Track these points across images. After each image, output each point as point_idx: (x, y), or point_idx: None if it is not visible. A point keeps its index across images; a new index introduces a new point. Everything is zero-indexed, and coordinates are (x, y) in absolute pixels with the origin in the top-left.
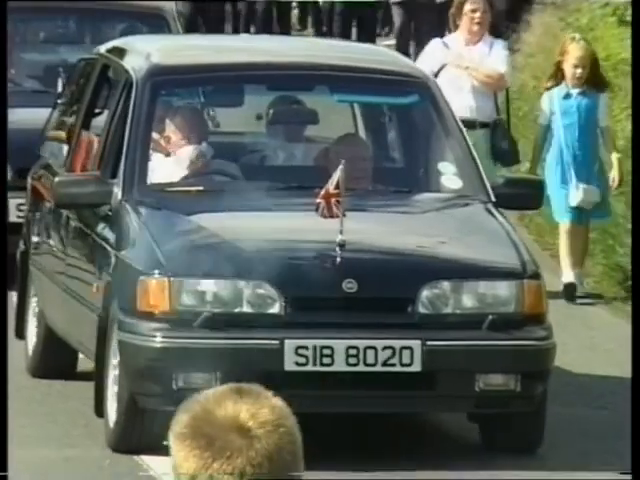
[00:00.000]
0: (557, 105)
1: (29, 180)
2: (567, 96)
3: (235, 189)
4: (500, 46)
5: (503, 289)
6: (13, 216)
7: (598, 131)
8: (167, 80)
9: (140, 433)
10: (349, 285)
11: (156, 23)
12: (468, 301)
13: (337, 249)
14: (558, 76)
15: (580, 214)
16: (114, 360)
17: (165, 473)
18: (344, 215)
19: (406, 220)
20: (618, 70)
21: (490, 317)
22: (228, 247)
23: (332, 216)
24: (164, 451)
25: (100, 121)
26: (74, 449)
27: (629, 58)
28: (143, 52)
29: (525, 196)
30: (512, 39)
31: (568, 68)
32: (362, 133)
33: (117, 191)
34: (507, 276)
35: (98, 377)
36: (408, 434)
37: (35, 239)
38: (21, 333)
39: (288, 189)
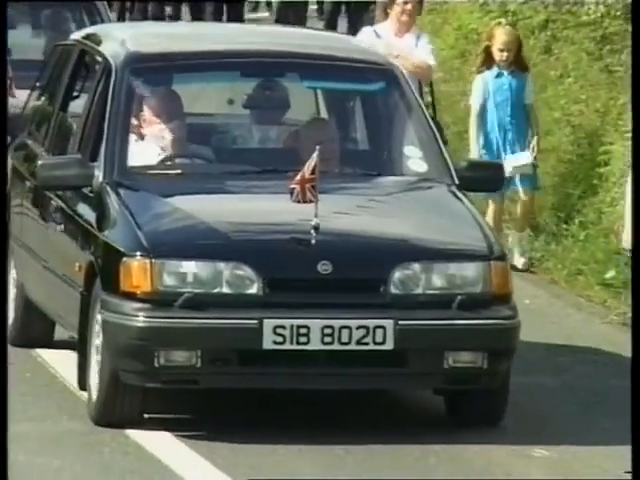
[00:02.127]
0: (490, 85)
1: (9, 158)
2: (499, 75)
3: (211, 172)
4: (426, 39)
5: (471, 270)
6: None
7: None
8: (145, 67)
9: (122, 408)
10: (324, 267)
11: (87, 9)
12: (438, 282)
13: (312, 232)
14: (487, 59)
15: (510, 184)
16: (96, 337)
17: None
18: (318, 199)
19: (376, 203)
20: (469, 38)
21: (459, 297)
22: (207, 229)
23: (306, 201)
24: (146, 425)
25: (77, 105)
26: (57, 423)
27: (478, 28)
28: (119, 39)
29: (486, 179)
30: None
31: (496, 51)
32: (324, 116)
33: (98, 173)
34: (475, 258)
35: (81, 352)
36: (376, 407)
37: (16, 216)
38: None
39: (262, 172)
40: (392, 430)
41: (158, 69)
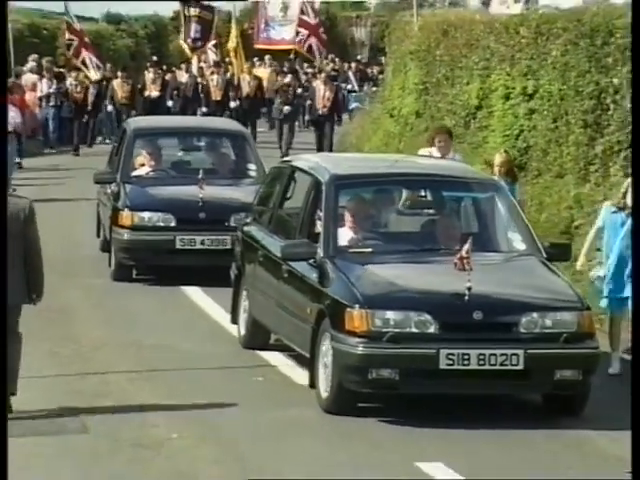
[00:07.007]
0: None
1: (239, 232)
2: None
3: (389, 250)
4: (459, 158)
5: (570, 317)
6: (178, 245)
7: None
8: (344, 183)
9: (345, 403)
10: (477, 315)
11: (240, 139)
12: (550, 324)
13: (467, 291)
14: (491, 174)
15: None
16: (323, 357)
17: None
18: (471, 269)
19: (502, 270)
20: (389, 140)
21: (563, 334)
22: (400, 289)
23: (464, 270)
24: (359, 412)
25: (290, 204)
26: (290, 410)
27: (392, 130)
28: (315, 162)
29: (562, 252)
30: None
31: (495, 168)
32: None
33: (320, 251)
34: (572, 309)
35: (311, 363)
36: (500, 402)
37: (249, 269)
38: (235, 321)
39: (421, 250)
40: (516, 418)
41: (352, 184)
